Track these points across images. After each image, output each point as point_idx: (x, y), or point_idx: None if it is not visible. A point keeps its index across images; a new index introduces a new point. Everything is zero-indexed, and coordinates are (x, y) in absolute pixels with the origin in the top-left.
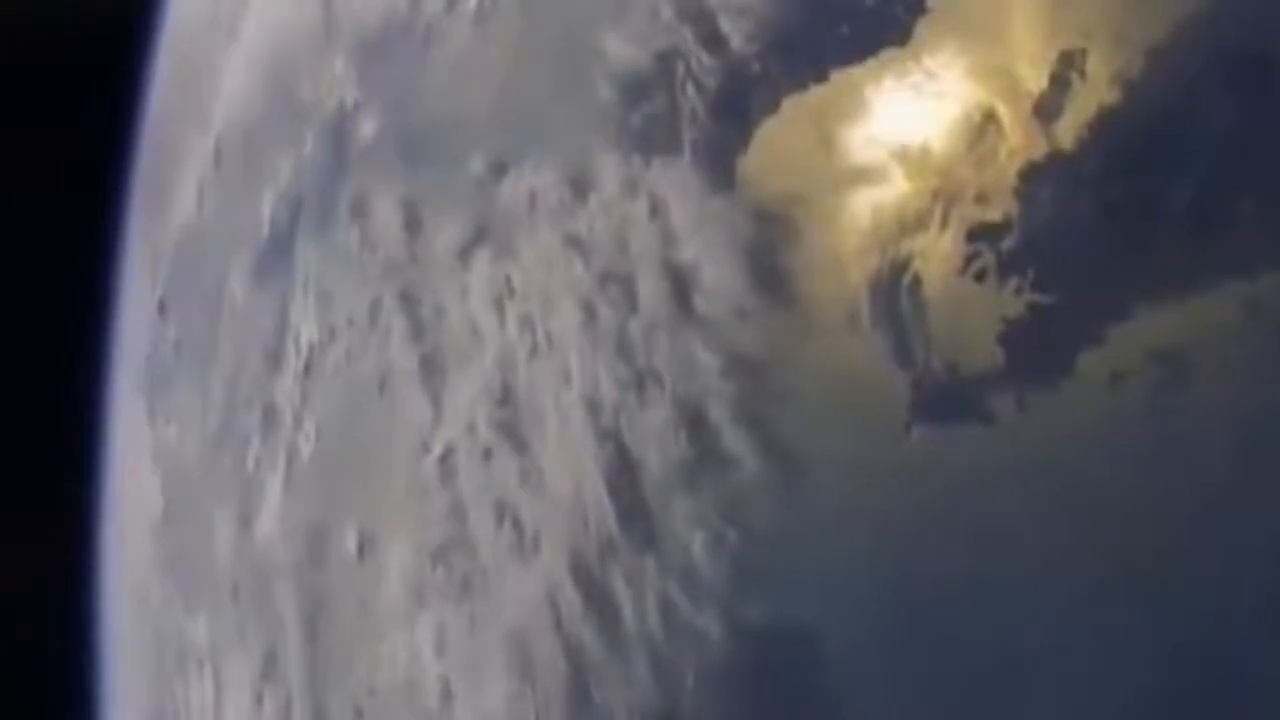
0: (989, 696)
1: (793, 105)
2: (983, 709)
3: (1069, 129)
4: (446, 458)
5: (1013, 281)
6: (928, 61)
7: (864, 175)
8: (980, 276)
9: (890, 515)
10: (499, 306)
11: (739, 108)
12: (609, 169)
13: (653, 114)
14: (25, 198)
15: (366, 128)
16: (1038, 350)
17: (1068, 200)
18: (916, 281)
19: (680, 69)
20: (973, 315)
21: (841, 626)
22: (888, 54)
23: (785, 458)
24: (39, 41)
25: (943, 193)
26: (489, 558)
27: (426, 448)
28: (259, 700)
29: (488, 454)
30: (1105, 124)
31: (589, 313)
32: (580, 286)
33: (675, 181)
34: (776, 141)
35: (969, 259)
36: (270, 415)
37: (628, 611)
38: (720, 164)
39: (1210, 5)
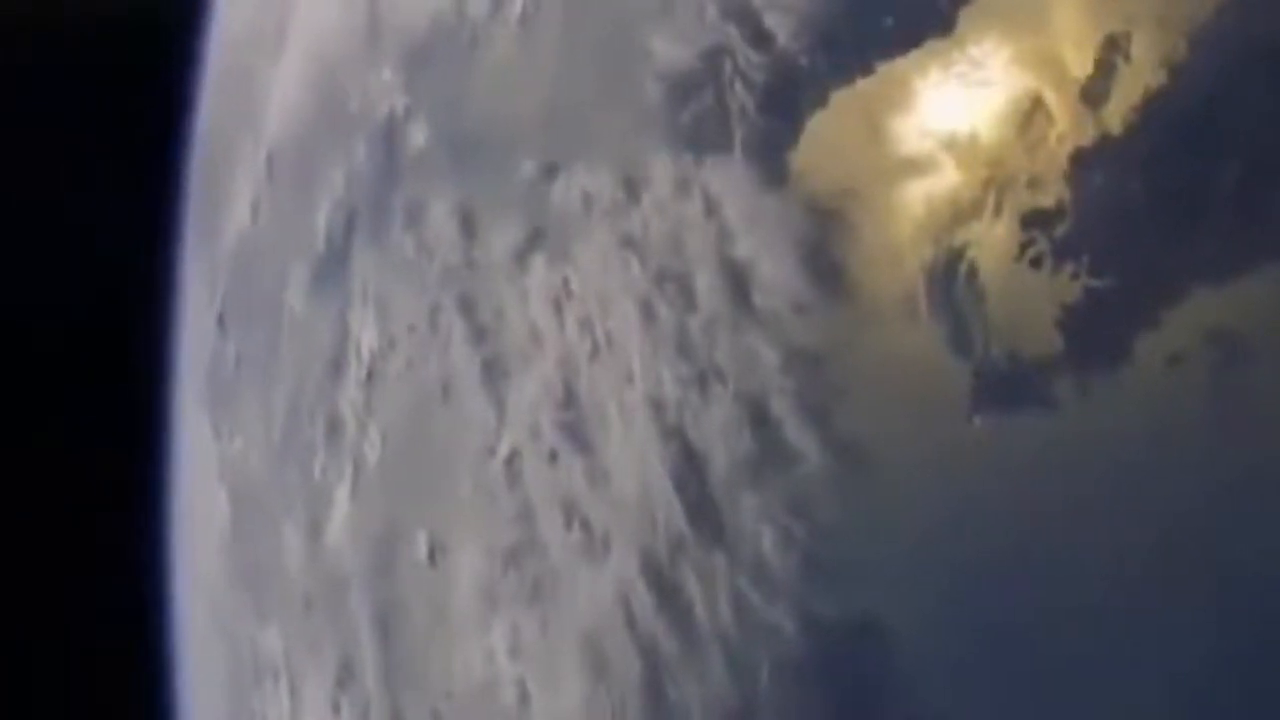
0: (1058, 679)
1: (841, 99)
2: (1053, 692)
3: (1116, 113)
4: (512, 461)
5: (1068, 267)
6: (972, 50)
7: (915, 166)
8: (1036, 263)
9: (955, 503)
10: (558, 308)
11: (787, 103)
12: (661, 168)
13: (702, 112)
14: (79, 215)
15: (417, 135)
16: (1095, 335)
17: (1119, 184)
18: (972, 270)
19: (727, 66)
20: (1030, 302)
21: (911, 616)
22: (932, 44)
23: (849, 450)
24: (88, 55)
25: (994, 181)
26: (559, 559)
27: (492, 451)
28: (336, 709)
29: (553, 456)
30: (1152, 107)
31: (648, 312)
32: (638, 286)
33: (728, 179)
34: (826, 135)
35: (1024, 246)
36: (335, 425)
37: (700, 609)
38: (771, 160)
39: None
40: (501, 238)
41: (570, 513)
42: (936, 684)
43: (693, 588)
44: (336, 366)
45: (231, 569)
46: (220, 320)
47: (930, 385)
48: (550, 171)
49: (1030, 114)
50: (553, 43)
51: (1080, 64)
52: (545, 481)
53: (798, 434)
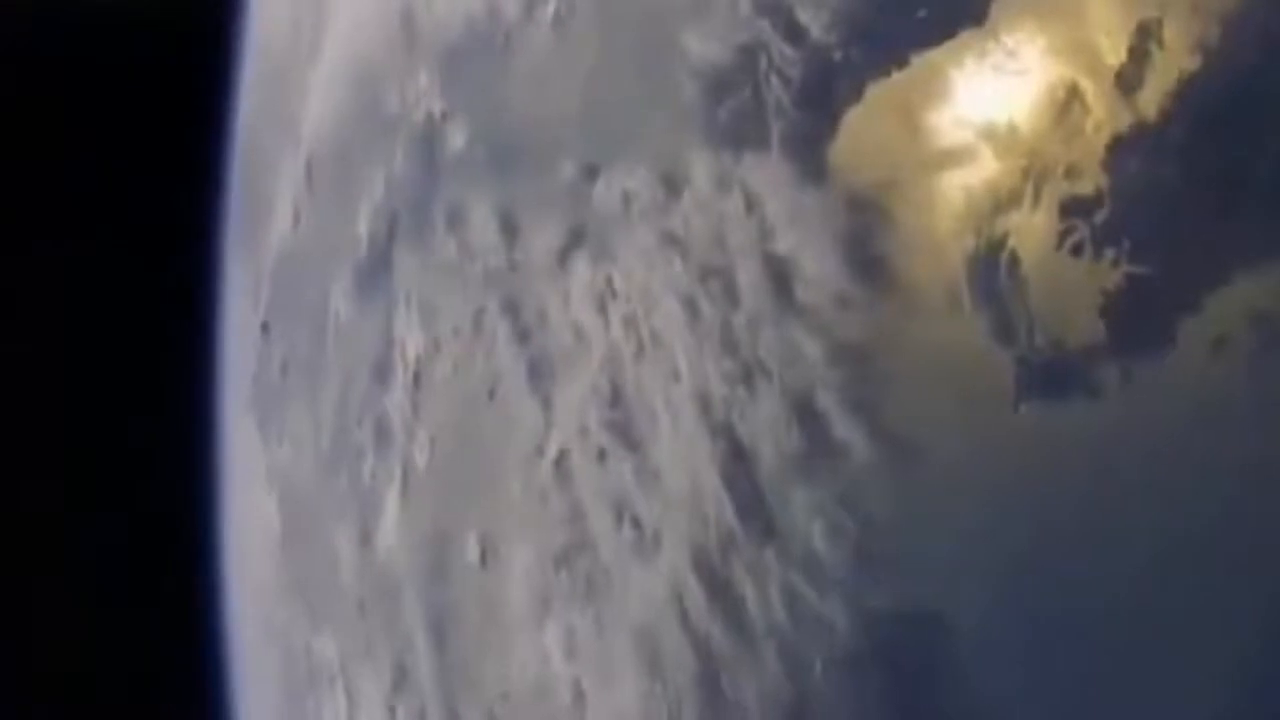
0: (1111, 666)
1: (877, 92)
2: (1106, 679)
3: (1151, 99)
4: (561, 461)
5: (1108, 254)
6: (1007, 40)
7: (953, 157)
8: (1077, 251)
9: (1003, 492)
10: (601, 308)
11: (824, 97)
12: (700, 166)
13: (739, 108)
14: (122, 231)
15: (456, 138)
16: (1138, 321)
17: (1156, 170)
18: (1014, 259)
19: (763, 62)
20: (1072, 290)
21: (963, 606)
22: (966, 35)
23: (896, 442)
24: (122, 60)
25: (1033, 170)
26: (611, 558)
27: (540, 452)
28: (392, 713)
29: (601, 455)
30: (1187, 92)
31: (692, 309)
32: (681, 284)
33: (767, 174)
34: (864, 129)
35: (1064, 234)
36: (382, 429)
37: (752, 604)
38: (810, 154)
39: None
40: (543, 239)
41: (620, 511)
42: (990, 673)
43: (745, 583)
44: (382, 371)
45: (283, 576)
46: (265, 327)
47: (975, 375)
48: (590, 171)
49: (1066, 102)
50: (587, 43)
51: (1114, 51)
52: (594, 481)
53: (845, 427)
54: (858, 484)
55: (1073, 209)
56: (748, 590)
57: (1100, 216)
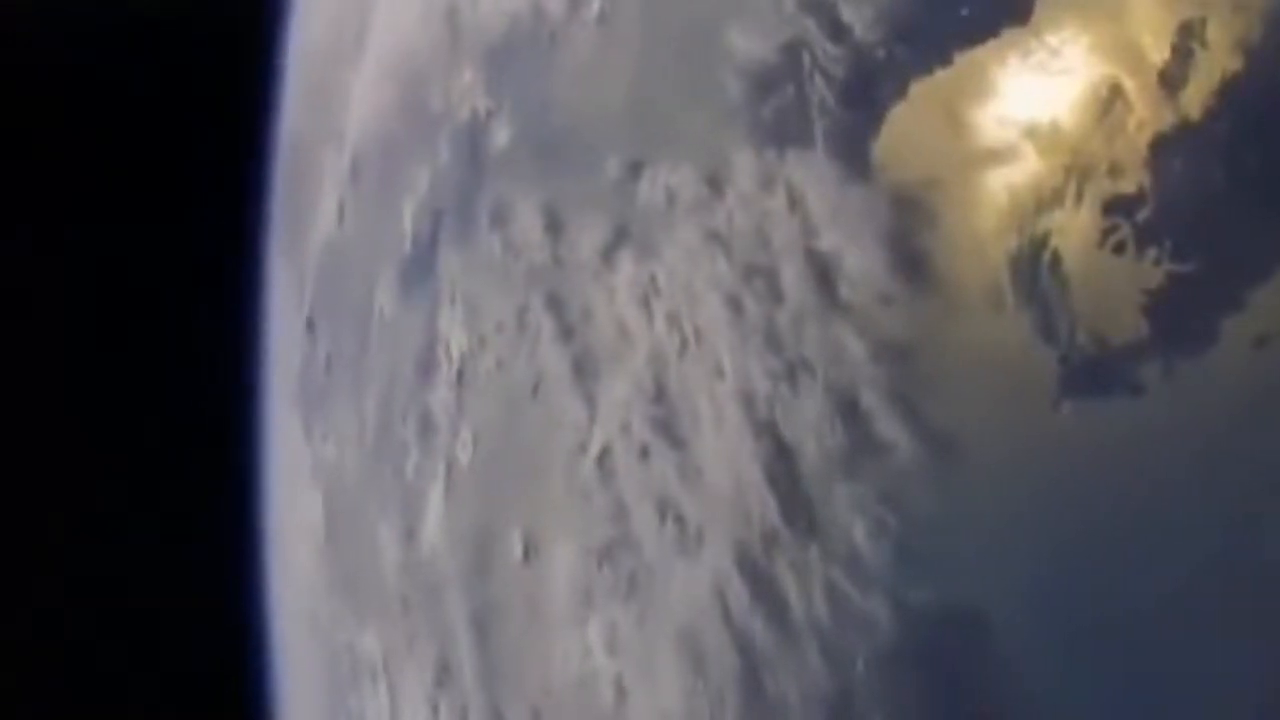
0: (1153, 663)
1: (920, 90)
2: (1148, 675)
3: (1195, 98)
4: (604, 458)
5: (1151, 252)
6: (1050, 39)
7: (996, 155)
8: (1119, 249)
9: (1045, 490)
10: (645, 305)
11: (867, 95)
12: (744, 163)
13: (782, 106)
14: (167, 229)
15: (500, 136)
16: (1181, 319)
17: (1199, 168)
18: (1056, 258)
19: (806, 60)
20: (1115, 288)
21: (1006, 604)
22: (1009, 33)
23: (939, 439)
24: (163, 60)
25: (1075, 168)
26: (654, 555)
27: (584, 449)
28: (435, 709)
29: (645, 452)
30: (1230, 91)
31: (735, 307)
32: (725, 281)
33: (811, 172)
34: (907, 127)
35: (1106, 232)
36: (426, 425)
37: (795, 601)
38: (853, 152)
39: None
40: (587, 236)
41: (664, 508)
42: (1032, 670)
43: (787, 580)
44: (426, 367)
45: (327, 573)
46: (309, 324)
47: (1017, 373)
48: (634, 169)
49: (1109, 101)
50: (632, 41)
51: (1157, 50)
52: (638, 477)
53: (888, 425)
54: (900, 482)
55: (1115, 207)
56: (790, 587)
57: (1143, 215)
